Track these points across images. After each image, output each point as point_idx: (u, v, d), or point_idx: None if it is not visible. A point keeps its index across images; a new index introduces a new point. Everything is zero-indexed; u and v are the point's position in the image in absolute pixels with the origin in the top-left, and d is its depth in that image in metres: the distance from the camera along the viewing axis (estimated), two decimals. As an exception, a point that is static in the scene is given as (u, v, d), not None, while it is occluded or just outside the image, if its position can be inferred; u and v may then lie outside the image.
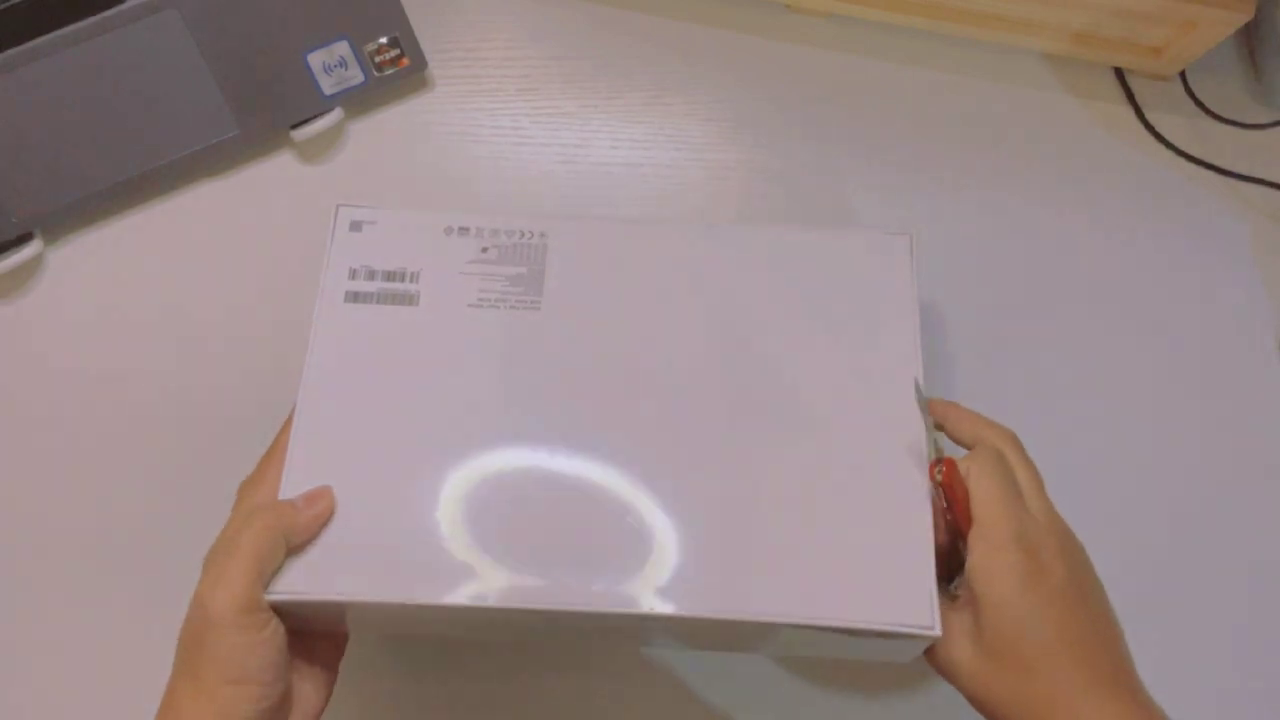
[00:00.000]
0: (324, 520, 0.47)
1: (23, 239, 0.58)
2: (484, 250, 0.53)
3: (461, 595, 0.48)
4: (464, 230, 0.53)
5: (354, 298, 0.52)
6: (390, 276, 0.52)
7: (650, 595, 0.49)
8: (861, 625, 0.50)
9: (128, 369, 0.59)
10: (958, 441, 0.50)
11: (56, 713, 0.57)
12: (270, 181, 0.60)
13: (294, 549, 0.47)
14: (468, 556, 0.48)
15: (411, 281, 0.52)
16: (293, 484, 0.49)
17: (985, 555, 0.46)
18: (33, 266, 0.59)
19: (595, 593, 0.48)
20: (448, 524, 0.49)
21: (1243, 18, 0.54)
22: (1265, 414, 0.60)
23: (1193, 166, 0.61)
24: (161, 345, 0.59)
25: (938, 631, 0.49)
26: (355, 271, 0.52)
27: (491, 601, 0.48)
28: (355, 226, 0.53)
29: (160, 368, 0.59)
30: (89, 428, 0.59)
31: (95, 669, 0.58)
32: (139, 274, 0.60)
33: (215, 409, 0.59)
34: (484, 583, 0.48)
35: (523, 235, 0.53)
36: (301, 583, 0.47)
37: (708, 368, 0.52)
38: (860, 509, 0.51)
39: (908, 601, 0.50)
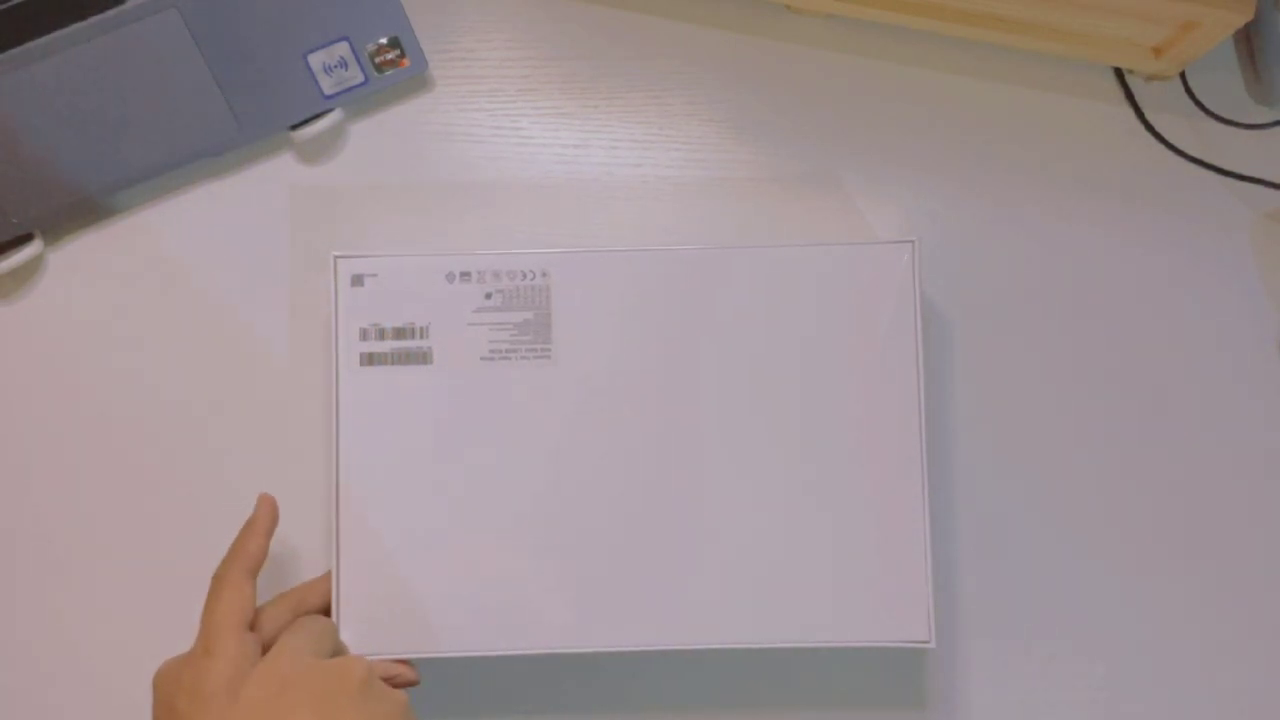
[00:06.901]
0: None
1: (23, 239, 0.58)
2: (488, 297, 0.53)
3: (531, 643, 0.52)
4: (465, 275, 0.53)
5: (369, 360, 0.53)
6: (400, 334, 0.53)
7: (661, 630, 0.52)
8: (863, 644, 0.52)
9: (127, 369, 0.59)
10: None
11: (56, 712, 0.58)
12: (270, 182, 0.60)
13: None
14: (537, 603, 0.53)
15: (422, 337, 0.53)
16: (349, 566, 0.53)
17: None
18: (33, 266, 0.60)
19: (619, 633, 0.52)
20: (502, 579, 0.53)
21: (1243, 18, 0.54)
22: (1265, 414, 0.60)
23: (1193, 166, 0.61)
24: (162, 346, 0.59)
25: (933, 644, 0.51)
26: (366, 331, 0.53)
27: (554, 647, 0.52)
28: (357, 281, 0.53)
29: (160, 368, 0.59)
30: (89, 428, 0.59)
31: (94, 668, 0.58)
32: (139, 274, 0.60)
33: (215, 409, 0.59)
34: (544, 629, 0.52)
35: (525, 276, 0.53)
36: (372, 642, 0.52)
37: (714, 398, 0.53)
38: (858, 524, 0.53)
39: (905, 617, 0.52)
